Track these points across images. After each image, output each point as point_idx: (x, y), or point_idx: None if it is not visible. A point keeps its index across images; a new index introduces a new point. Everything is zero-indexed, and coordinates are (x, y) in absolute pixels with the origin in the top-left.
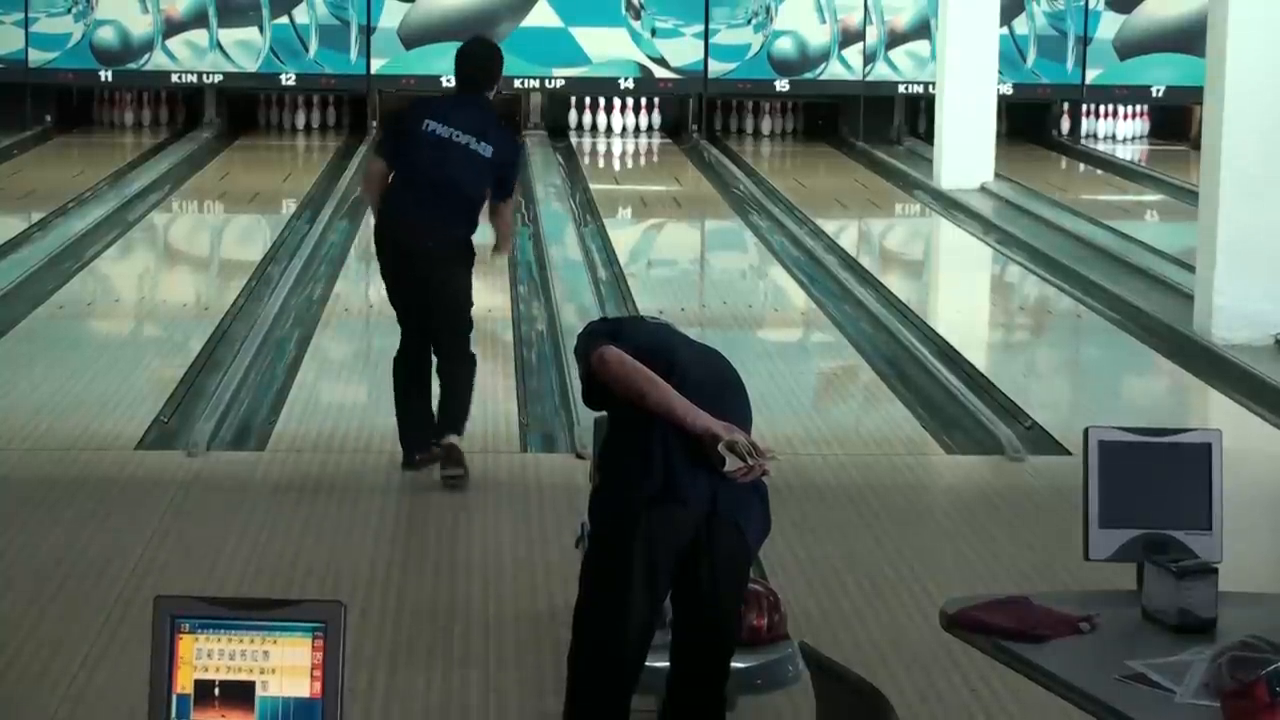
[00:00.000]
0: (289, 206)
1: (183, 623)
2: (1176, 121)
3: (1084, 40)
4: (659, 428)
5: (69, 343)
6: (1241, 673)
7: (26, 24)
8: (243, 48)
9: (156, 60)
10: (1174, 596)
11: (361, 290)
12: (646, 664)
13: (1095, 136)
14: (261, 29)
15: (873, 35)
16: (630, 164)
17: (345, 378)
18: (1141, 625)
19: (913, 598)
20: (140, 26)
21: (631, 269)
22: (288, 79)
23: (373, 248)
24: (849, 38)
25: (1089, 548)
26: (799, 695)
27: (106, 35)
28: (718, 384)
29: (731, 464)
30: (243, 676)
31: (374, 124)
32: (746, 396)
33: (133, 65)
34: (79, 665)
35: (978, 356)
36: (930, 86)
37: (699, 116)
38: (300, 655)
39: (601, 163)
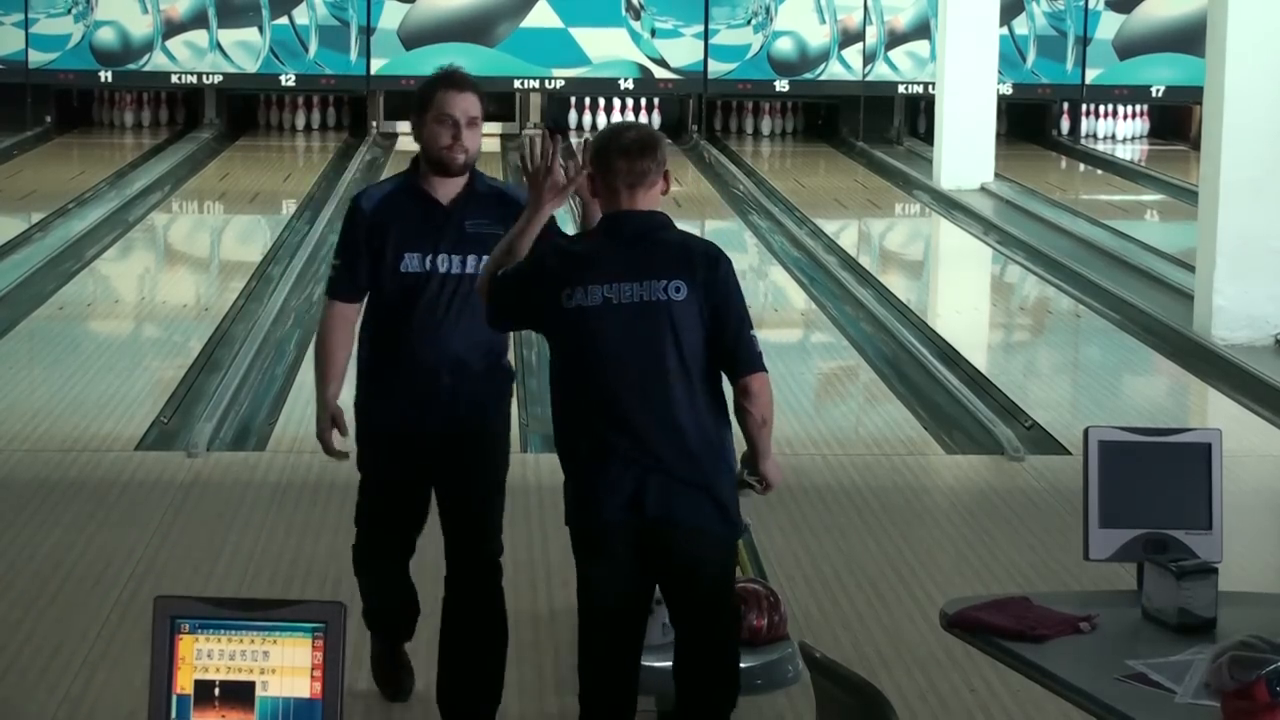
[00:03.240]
0: (289, 207)
1: (183, 623)
2: (1176, 121)
3: (1084, 40)
4: (582, 431)
5: (69, 343)
6: (1241, 673)
7: (26, 25)
8: (242, 48)
9: (156, 61)
10: (1174, 596)
11: None
12: (648, 664)
13: (1095, 136)
14: (261, 30)
15: (872, 35)
16: None
17: (345, 378)
18: (1141, 625)
19: (913, 598)
20: (140, 27)
21: None
22: (288, 79)
23: None
24: (849, 38)
25: (1089, 548)
26: (799, 695)
27: (106, 36)
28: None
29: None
30: (243, 677)
31: (374, 124)
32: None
33: (133, 66)
34: (79, 666)
35: (978, 356)
36: (930, 86)
37: (699, 117)
38: (300, 655)
39: None
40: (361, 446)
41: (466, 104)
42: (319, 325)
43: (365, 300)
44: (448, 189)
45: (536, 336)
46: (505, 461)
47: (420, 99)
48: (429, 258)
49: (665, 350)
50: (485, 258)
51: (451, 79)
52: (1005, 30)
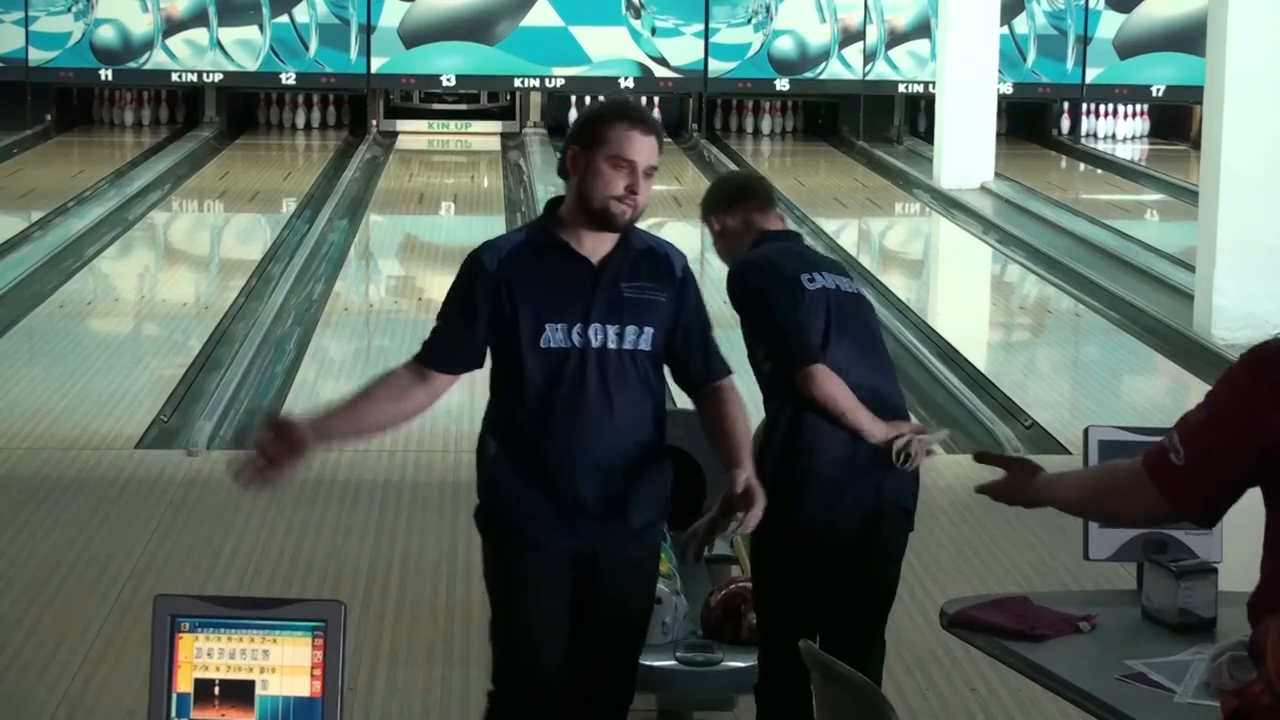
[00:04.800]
0: (289, 205)
1: (183, 622)
2: (1176, 121)
3: (1084, 40)
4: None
5: (69, 342)
6: (1241, 673)
7: (27, 23)
8: (243, 47)
9: (156, 59)
10: (1174, 596)
11: (361, 290)
12: (654, 664)
13: (1095, 136)
14: (261, 28)
15: (873, 34)
16: None
17: (345, 377)
18: (1141, 625)
19: (913, 598)
20: (140, 25)
21: None
22: (288, 78)
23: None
24: (849, 37)
25: (1089, 548)
26: None
27: (106, 34)
28: (866, 342)
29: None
30: (243, 675)
31: (374, 123)
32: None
33: (133, 64)
34: (79, 665)
35: (978, 356)
36: (930, 86)
37: (699, 116)
38: (300, 654)
39: None
40: (497, 567)
41: (650, 149)
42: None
43: (456, 379)
44: (597, 244)
45: None
46: (654, 586)
47: (586, 132)
48: (578, 329)
49: (879, 334)
50: (648, 329)
51: (635, 114)
52: (1005, 30)
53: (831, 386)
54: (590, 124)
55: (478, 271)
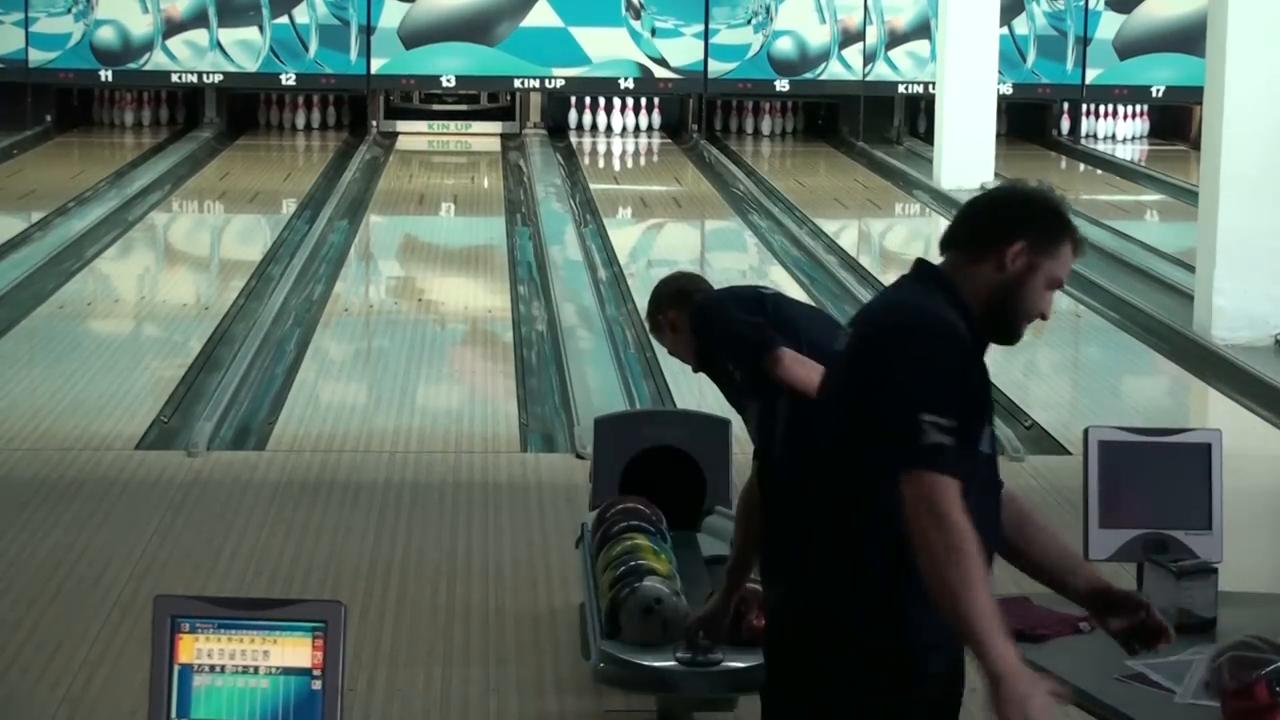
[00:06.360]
0: (289, 206)
1: (183, 622)
2: (1176, 121)
3: (1084, 40)
4: None
5: (69, 342)
6: (1241, 673)
7: (26, 24)
8: (243, 47)
9: (156, 60)
10: (1174, 596)
11: (361, 291)
12: (654, 664)
13: (1095, 136)
14: (261, 29)
15: (872, 35)
16: (630, 164)
17: (345, 378)
18: None
19: None
20: (140, 26)
21: (631, 269)
22: (288, 79)
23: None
24: (849, 38)
25: (1089, 548)
26: None
27: (106, 35)
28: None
29: None
30: (243, 676)
31: (374, 124)
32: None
33: (133, 65)
34: (79, 665)
35: None
36: (930, 86)
37: (699, 116)
38: (300, 655)
39: (601, 163)
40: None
41: None
42: (935, 518)
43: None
44: None
45: (536, 336)
46: None
47: (1048, 238)
48: (988, 432)
49: None
50: None
51: (1081, 238)
52: (1005, 30)
53: (801, 369)
54: (1055, 229)
55: (960, 349)
